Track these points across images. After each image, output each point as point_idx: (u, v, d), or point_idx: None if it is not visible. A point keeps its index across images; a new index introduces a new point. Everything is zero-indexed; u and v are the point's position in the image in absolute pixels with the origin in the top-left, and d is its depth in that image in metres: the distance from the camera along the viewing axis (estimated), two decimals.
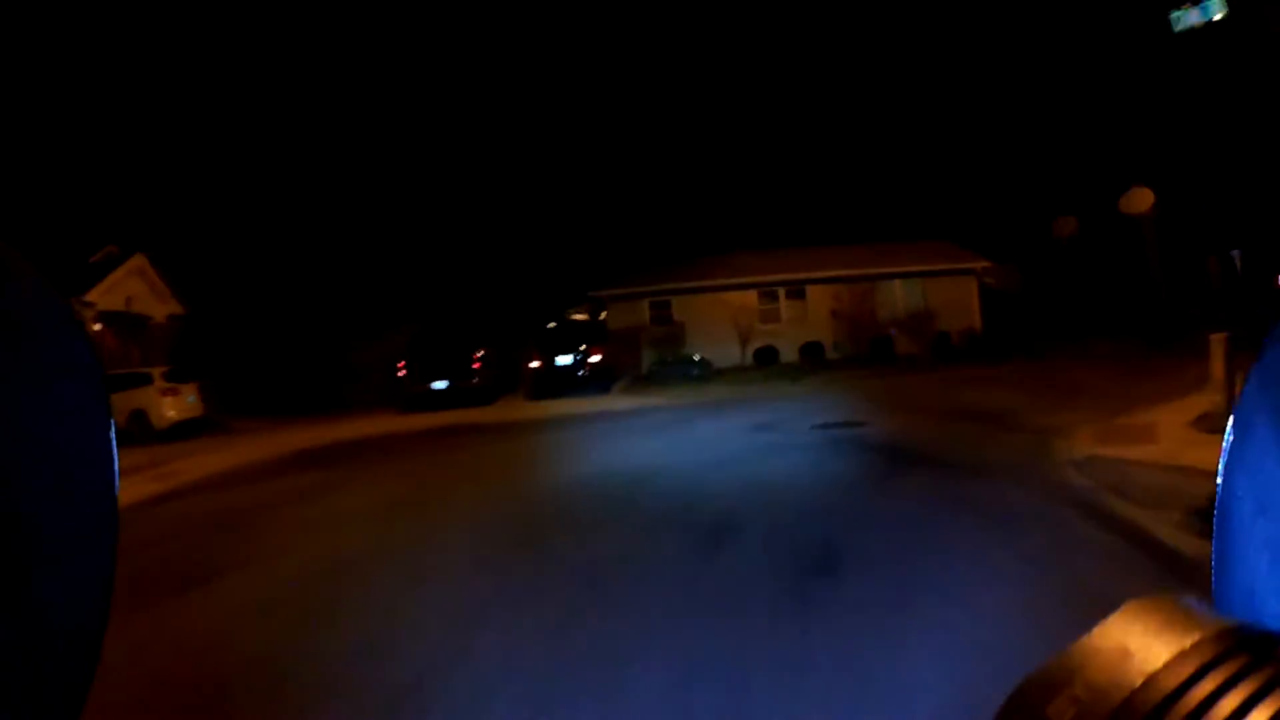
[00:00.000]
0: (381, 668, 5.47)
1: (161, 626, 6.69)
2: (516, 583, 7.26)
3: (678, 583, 6.86)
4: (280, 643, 6.20)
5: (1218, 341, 13.45)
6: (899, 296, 34.07)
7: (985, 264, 34.40)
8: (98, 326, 28.16)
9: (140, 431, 23.43)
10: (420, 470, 14.75)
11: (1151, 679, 0.31)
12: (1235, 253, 31.54)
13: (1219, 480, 0.56)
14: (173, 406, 24.80)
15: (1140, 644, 0.32)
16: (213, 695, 5.35)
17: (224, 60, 36.22)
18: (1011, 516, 8.65)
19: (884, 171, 45.36)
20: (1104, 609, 0.37)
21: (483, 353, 29.44)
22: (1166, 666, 0.31)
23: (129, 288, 31.28)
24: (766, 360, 33.70)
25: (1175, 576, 6.16)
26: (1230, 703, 0.29)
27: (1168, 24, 22.67)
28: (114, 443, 0.55)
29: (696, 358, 31.83)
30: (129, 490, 13.48)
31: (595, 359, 30.17)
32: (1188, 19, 22.38)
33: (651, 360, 32.74)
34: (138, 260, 32.00)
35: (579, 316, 37.42)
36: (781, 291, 34.92)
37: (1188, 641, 0.32)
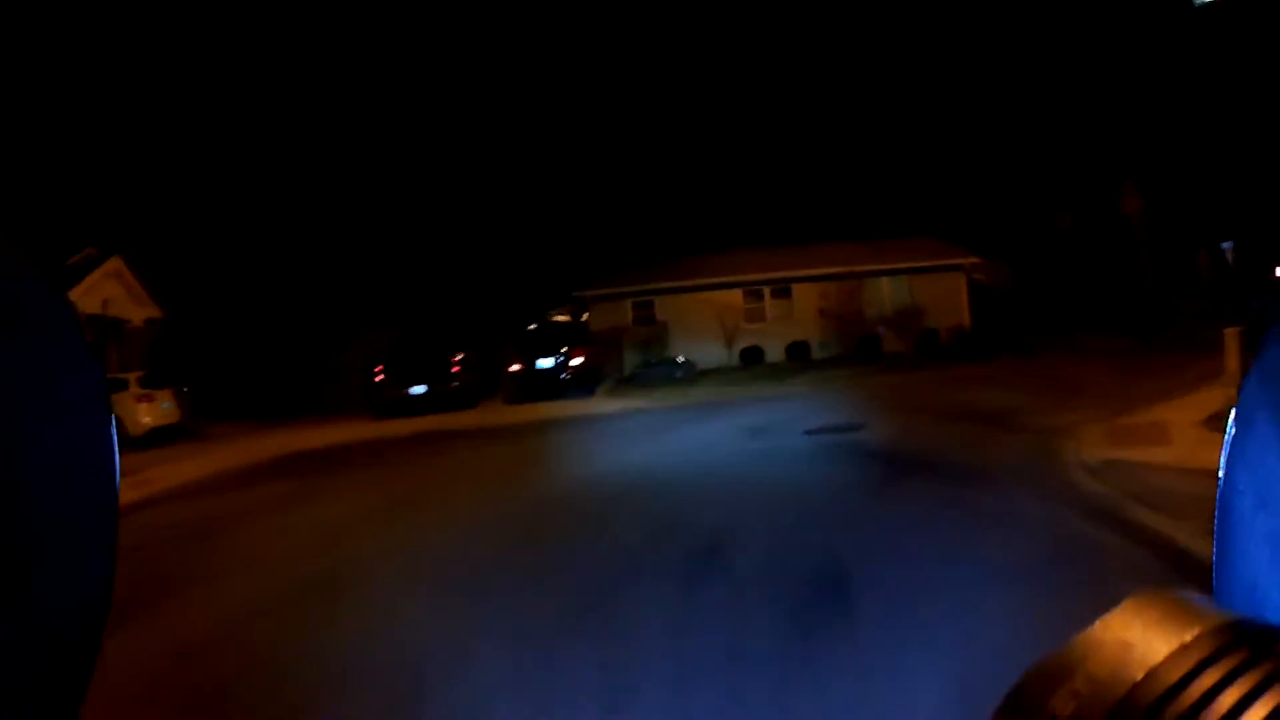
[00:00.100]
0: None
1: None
2: (478, 621, 6.36)
3: (658, 631, 5.90)
4: (227, 677, 5.46)
5: (1232, 335, 12.77)
6: (886, 294, 33.37)
7: (974, 260, 33.72)
8: None
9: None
10: (390, 481, 13.93)
11: (1153, 673, 0.31)
12: (1227, 245, 30.93)
13: (1220, 475, 0.56)
14: (148, 413, 23.84)
15: (1141, 638, 0.32)
16: None
17: (200, 63, 35.29)
18: (1031, 532, 7.82)
19: (871, 168, 44.50)
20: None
21: (462, 356, 28.68)
22: (1168, 660, 0.31)
23: (106, 290, 30.18)
24: (752, 360, 33.04)
25: None
26: (1231, 696, 0.29)
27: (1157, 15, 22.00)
28: (115, 442, 0.54)
29: (681, 359, 31.07)
30: None
31: (577, 361, 29.27)
32: None
33: (635, 362, 31.95)
34: (114, 263, 30.92)
35: (561, 318, 36.66)
36: (767, 290, 34.18)
37: (1189, 636, 0.32)
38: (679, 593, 6.66)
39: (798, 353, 33.19)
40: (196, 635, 6.55)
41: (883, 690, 4.68)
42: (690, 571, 7.16)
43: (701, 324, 32.89)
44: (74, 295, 27.76)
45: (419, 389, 27.63)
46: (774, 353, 33.36)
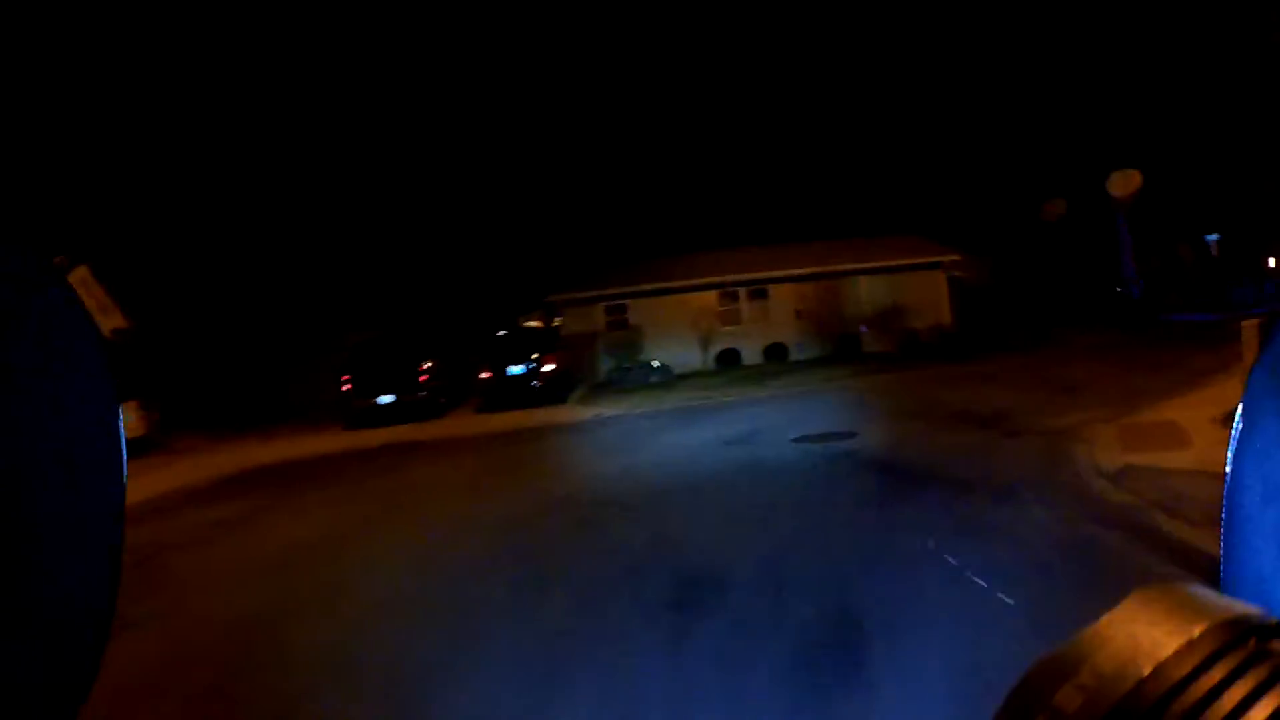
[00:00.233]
0: None
1: None
2: (422, 684, 5.22)
3: (629, 702, 4.76)
4: None
5: (1251, 328, 11.86)
6: (865, 293, 32.44)
7: (954, 257, 32.83)
8: None
9: None
10: (349, 499, 12.82)
11: (1160, 668, 0.31)
12: (1212, 238, 30.30)
13: (1227, 469, 0.56)
14: None
15: (1148, 632, 0.32)
16: None
17: (164, 70, 33.90)
18: (1061, 554, 6.78)
19: (847, 165, 43.46)
20: None
21: (430, 364, 27.67)
22: (1175, 655, 0.31)
23: None
24: (729, 363, 32.13)
25: None
26: (1238, 691, 0.29)
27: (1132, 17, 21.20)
28: (122, 438, 0.55)
29: (656, 363, 30.09)
30: None
31: (549, 368, 28.13)
32: None
33: (609, 367, 30.85)
34: (80, 272, 29.51)
35: (533, 323, 35.63)
36: (743, 291, 33.11)
37: (1196, 630, 0.32)
38: (658, 649, 5.51)
39: (775, 354, 32.31)
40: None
41: None
42: (673, 622, 5.98)
43: (676, 327, 32.02)
44: None
45: (387, 398, 26.58)
46: (751, 355, 32.45)
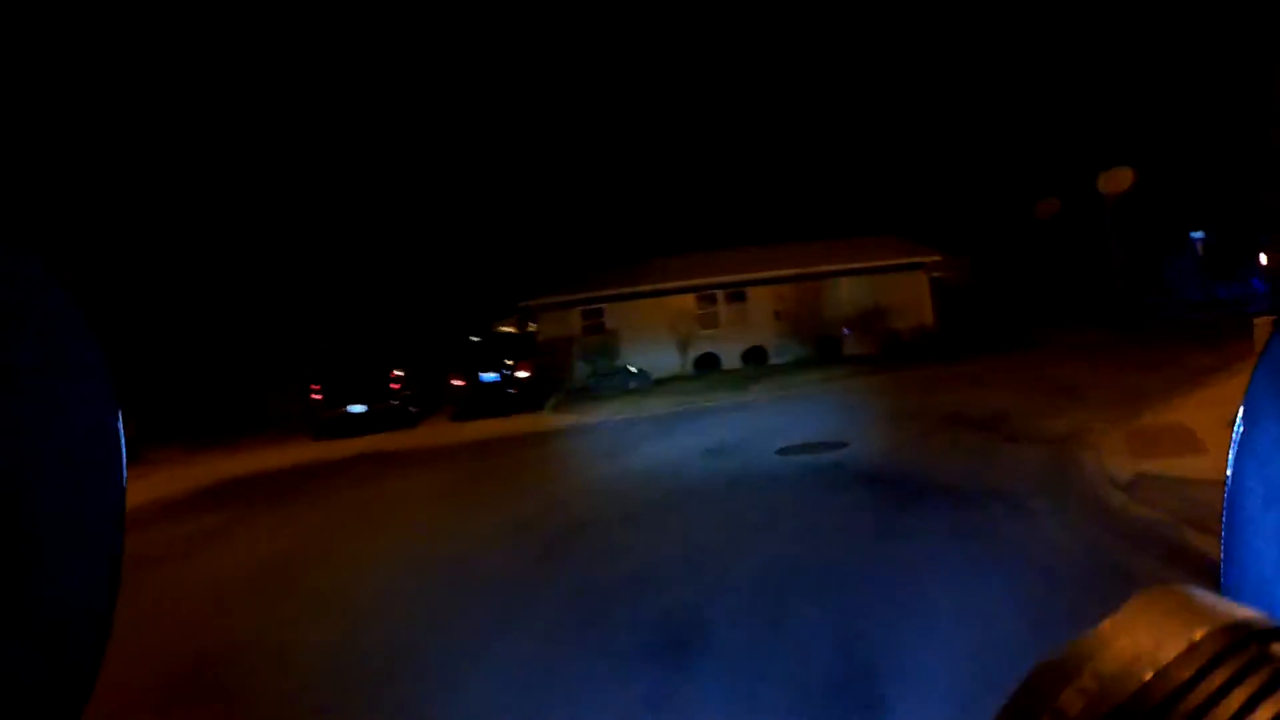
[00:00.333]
0: None
1: None
2: None
3: None
4: None
5: (1263, 326, 11.13)
6: (845, 295, 31.67)
7: (935, 257, 32.13)
8: None
9: None
10: (313, 516, 11.84)
11: (1162, 671, 0.31)
12: (1197, 236, 29.74)
13: (1228, 472, 0.57)
14: None
15: (1150, 636, 0.32)
16: None
17: (131, 73, 32.84)
18: (1086, 585, 5.88)
19: (825, 167, 42.66)
20: None
21: (402, 372, 26.70)
22: (1177, 659, 0.31)
23: None
24: (707, 367, 31.30)
25: None
26: (1240, 695, 0.29)
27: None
28: (122, 439, 0.55)
29: (633, 368, 29.18)
30: None
31: (523, 374, 27.26)
32: None
33: (585, 373, 29.93)
34: None
35: (508, 329, 34.77)
36: (721, 294, 32.32)
37: (1198, 633, 0.32)
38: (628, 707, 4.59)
39: (754, 357, 31.50)
40: None
41: None
42: (653, 679, 5.05)
43: (654, 331, 31.17)
44: None
45: (358, 408, 25.64)
46: (730, 359, 31.61)
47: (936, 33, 45.91)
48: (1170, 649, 0.31)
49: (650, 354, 30.80)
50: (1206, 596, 0.34)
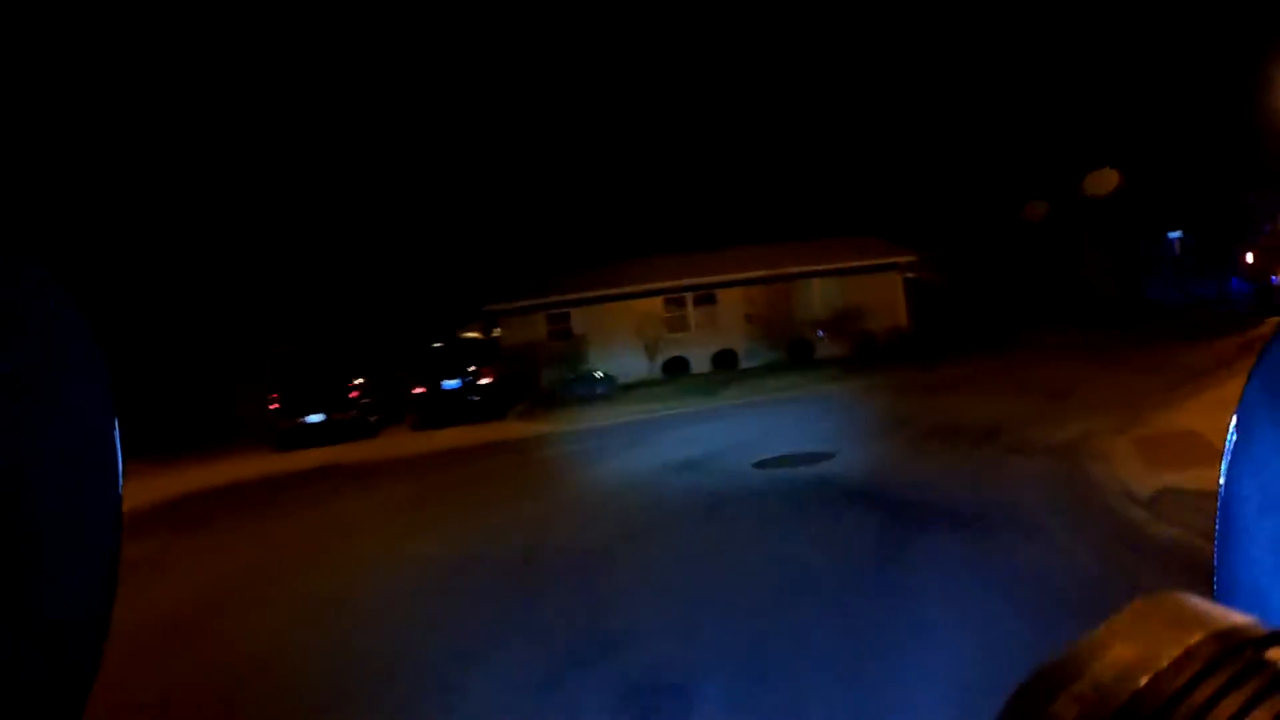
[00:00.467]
0: None
1: None
2: None
3: None
4: None
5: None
6: (817, 296, 30.68)
7: (909, 257, 31.19)
8: None
9: None
10: (256, 540, 10.66)
11: (1157, 678, 0.30)
12: (1174, 236, 29.05)
13: (1222, 479, 0.56)
14: None
15: (1145, 642, 0.32)
16: None
17: (83, 78, 31.43)
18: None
19: (797, 167, 41.45)
20: None
21: (362, 380, 25.68)
22: (1172, 665, 0.30)
23: None
24: (677, 371, 30.17)
25: None
26: (1235, 701, 0.29)
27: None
28: (118, 443, 0.54)
29: (600, 374, 28.01)
30: None
31: (486, 381, 26.00)
32: None
33: (551, 379, 28.67)
34: None
35: (472, 335, 33.48)
36: (689, 297, 31.26)
37: (1193, 640, 0.31)
38: None
39: (724, 361, 30.41)
40: None
41: None
42: None
43: (621, 335, 30.03)
44: None
45: (316, 417, 24.54)
46: (700, 363, 30.51)
47: (913, 31, 45.10)
48: (1165, 655, 0.30)
49: (618, 359, 29.67)
50: (1201, 603, 0.33)
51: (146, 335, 29.32)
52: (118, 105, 32.71)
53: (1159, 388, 13.68)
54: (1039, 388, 15.57)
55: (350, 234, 37.01)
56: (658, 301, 31.11)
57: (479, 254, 37.12)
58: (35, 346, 0.48)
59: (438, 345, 28.25)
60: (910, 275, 31.36)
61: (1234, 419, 0.56)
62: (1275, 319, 20.47)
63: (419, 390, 26.09)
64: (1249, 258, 23.93)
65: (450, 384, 25.94)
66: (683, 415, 18.97)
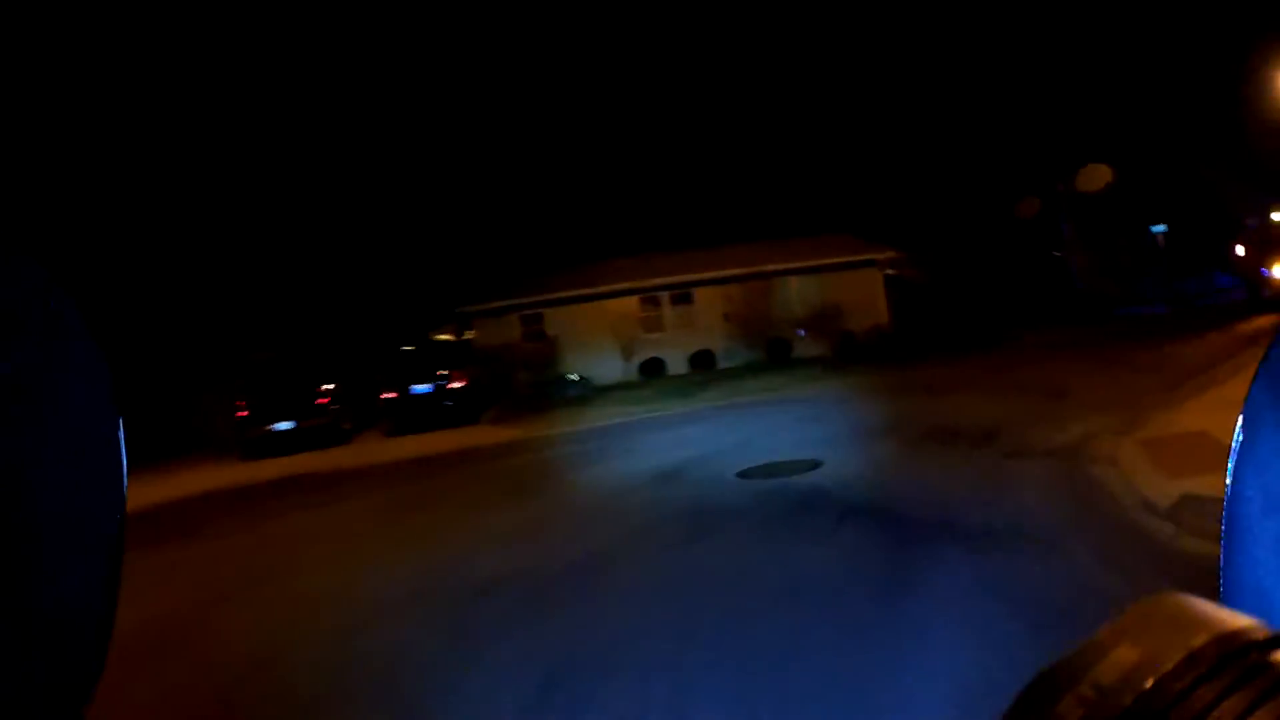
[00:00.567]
0: None
1: None
2: None
3: None
4: None
5: None
6: (795, 295, 29.97)
7: (889, 254, 30.50)
8: None
9: None
10: (208, 563, 9.69)
11: (1161, 680, 0.30)
12: (1158, 230, 28.55)
13: (1227, 480, 0.56)
14: None
15: (1150, 644, 0.32)
16: None
17: (36, 84, 30.32)
18: None
19: (775, 164, 40.63)
20: None
21: (332, 385, 24.69)
22: (1176, 667, 0.30)
23: None
24: (653, 373, 29.45)
25: None
26: (1239, 703, 0.29)
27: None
28: (122, 442, 0.54)
29: (574, 376, 27.22)
30: None
31: (458, 385, 25.08)
32: None
33: (525, 382, 27.83)
34: None
35: (445, 337, 32.63)
36: (665, 296, 30.47)
37: (1197, 641, 0.31)
38: None
39: (702, 362, 29.68)
40: None
41: None
42: None
43: (596, 336, 29.23)
44: None
45: (285, 425, 23.65)
46: (676, 364, 29.76)
47: (893, 28, 44.39)
48: (1169, 657, 0.30)
49: (593, 360, 28.93)
50: (1205, 604, 0.33)
51: (112, 341, 28.20)
52: (76, 107, 31.60)
53: (1155, 386, 12.96)
54: (1031, 387, 14.80)
55: (322, 235, 35.87)
56: (633, 301, 30.35)
57: (453, 254, 36.09)
58: (36, 347, 0.47)
59: (409, 348, 27.46)
60: (891, 272, 30.70)
61: (1239, 420, 0.55)
62: (1267, 316, 20.10)
63: (390, 395, 25.21)
64: (1239, 250, 23.34)
65: (421, 388, 25.03)
66: (660, 419, 18.11)
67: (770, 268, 29.96)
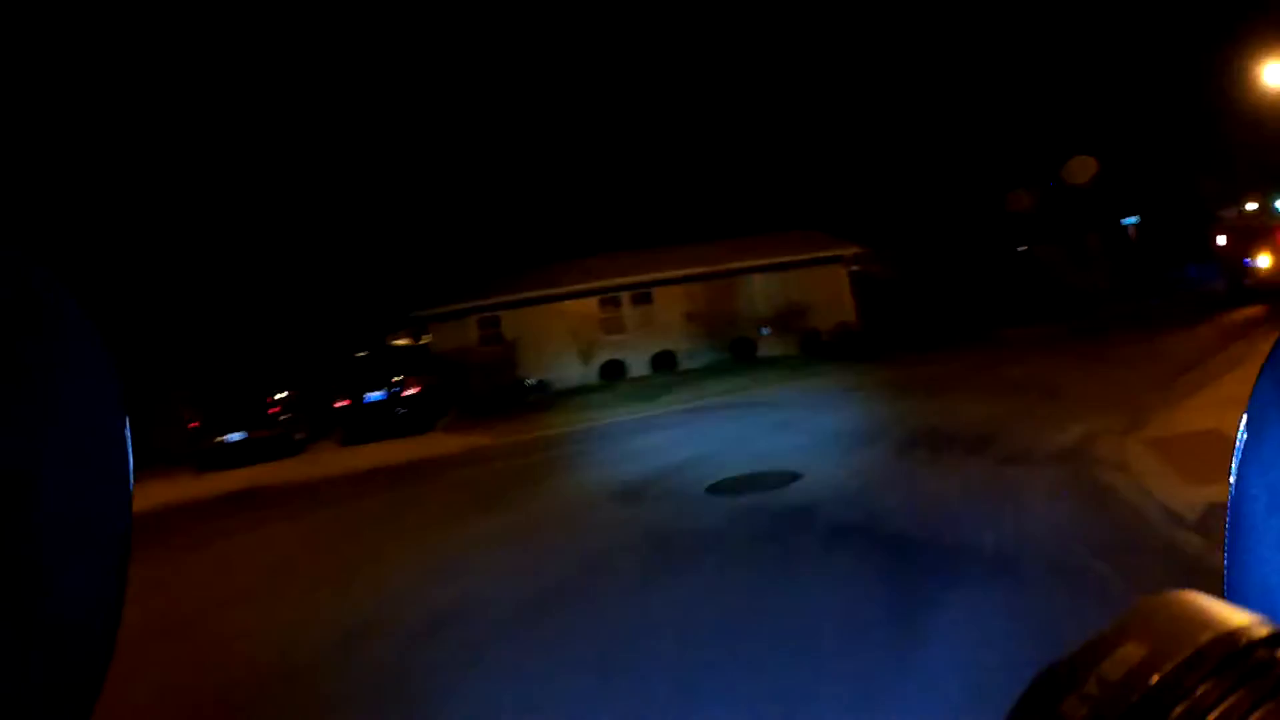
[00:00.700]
0: None
1: None
2: None
3: None
4: None
5: None
6: (759, 293, 28.93)
7: (854, 250, 29.56)
8: None
9: None
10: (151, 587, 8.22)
11: (1166, 677, 0.30)
12: (1129, 222, 27.99)
13: (1232, 478, 0.55)
14: None
15: (1155, 641, 0.31)
16: None
17: None
18: None
19: (739, 161, 39.49)
20: None
21: (284, 394, 23.74)
22: (1181, 664, 0.30)
23: None
24: (614, 375, 28.23)
25: None
26: (1244, 700, 0.29)
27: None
28: (129, 440, 0.54)
29: (532, 380, 26.08)
30: None
31: (412, 391, 23.86)
32: None
33: (482, 387, 26.61)
34: None
35: (402, 342, 31.44)
36: (625, 296, 29.29)
37: (1202, 639, 0.31)
38: None
39: (664, 363, 28.53)
40: None
41: None
42: None
43: (555, 339, 28.06)
44: None
45: (236, 436, 22.64)
46: (638, 365, 28.60)
47: (855, 21, 43.50)
48: (1175, 655, 0.30)
49: (552, 363, 27.84)
50: (1210, 601, 0.33)
51: None
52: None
53: (1150, 382, 12.02)
54: (1017, 385, 13.78)
55: (276, 238, 34.42)
56: (592, 302, 29.16)
57: (411, 256, 34.80)
58: (39, 346, 0.46)
59: (362, 354, 26.21)
60: (857, 269, 29.76)
61: (1244, 416, 0.54)
62: (1252, 307, 19.44)
63: (342, 403, 23.95)
64: (1220, 240, 22.67)
65: (374, 396, 23.75)
66: (622, 424, 16.95)
67: (733, 266, 28.97)
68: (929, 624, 4.89)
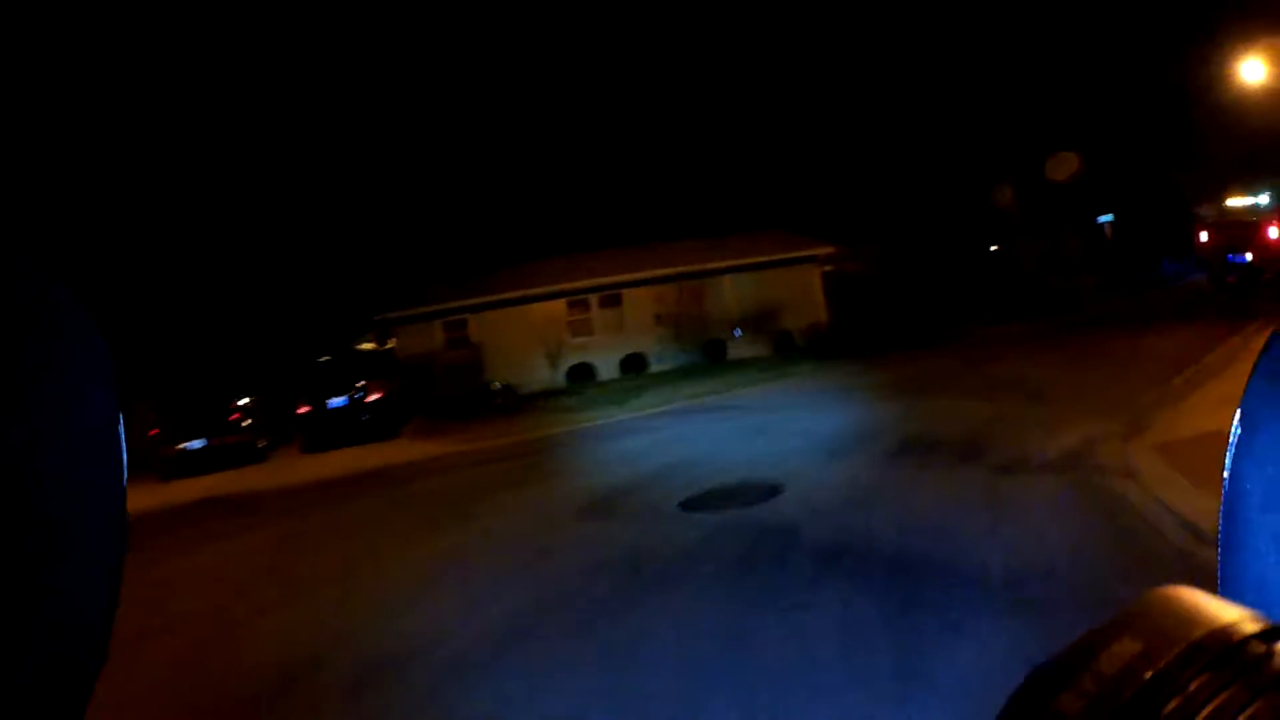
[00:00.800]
0: None
1: None
2: None
3: None
4: None
5: None
6: (730, 294, 28.29)
7: (827, 250, 29.02)
8: None
9: None
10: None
11: (1161, 673, 0.30)
12: (1105, 220, 27.76)
13: (1226, 474, 0.55)
14: None
15: (1150, 637, 0.31)
16: None
17: None
18: None
19: (708, 159, 38.73)
20: None
21: (246, 400, 23.27)
22: (1176, 660, 0.30)
23: None
24: (582, 378, 27.50)
25: None
26: (1240, 695, 0.29)
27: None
28: (123, 439, 0.53)
29: (498, 385, 25.31)
30: None
31: (375, 397, 23.03)
32: None
33: (447, 391, 25.86)
34: None
35: (367, 346, 30.59)
36: (594, 299, 28.57)
37: (1197, 634, 0.31)
38: None
39: (633, 365, 27.86)
40: None
41: None
42: None
43: (522, 342, 27.30)
44: None
45: (196, 443, 22.04)
46: (607, 368, 27.88)
47: (826, 18, 42.96)
48: (1169, 650, 0.30)
49: (519, 367, 27.04)
50: (1206, 597, 0.33)
51: None
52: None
53: (1143, 382, 11.46)
54: (1003, 387, 13.11)
55: (239, 242, 33.46)
56: (560, 304, 28.44)
57: (377, 259, 33.94)
58: (38, 344, 0.46)
59: (325, 359, 25.37)
60: (829, 269, 29.22)
61: (1238, 412, 0.54)
62: (1236, 302, 19.13)
63: (303, 409, 23.13)
64: (1203, 236, 22.45)
65: (337, 402, 22.95)
66: (590, 430, 16.16)
67: (704, 266, 28.35)
68: (947, 669, 4.14)
